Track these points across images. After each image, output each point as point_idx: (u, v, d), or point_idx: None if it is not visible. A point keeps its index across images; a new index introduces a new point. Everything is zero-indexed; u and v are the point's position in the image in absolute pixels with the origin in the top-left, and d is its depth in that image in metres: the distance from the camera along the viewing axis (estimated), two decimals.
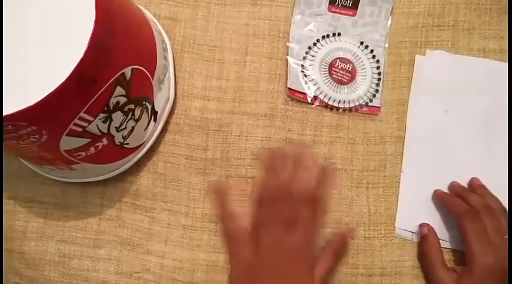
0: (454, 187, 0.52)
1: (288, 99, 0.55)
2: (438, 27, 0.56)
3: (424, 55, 0.56)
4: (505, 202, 0.50)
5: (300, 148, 0.47)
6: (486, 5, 0.56)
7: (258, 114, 0.55)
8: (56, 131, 0.39)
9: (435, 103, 0.55)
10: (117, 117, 0.43)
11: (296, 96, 0.54)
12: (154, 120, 0.50)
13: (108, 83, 0.39)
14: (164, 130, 0.54)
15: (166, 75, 0.51)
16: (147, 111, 0.48)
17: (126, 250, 0.53)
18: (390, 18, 0.56)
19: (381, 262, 0.52)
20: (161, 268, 0.52)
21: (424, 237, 0.50)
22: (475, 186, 0.52)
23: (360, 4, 0.55)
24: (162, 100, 0.51)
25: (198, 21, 0.56)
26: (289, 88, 0.54)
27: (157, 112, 0.50)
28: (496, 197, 0.50)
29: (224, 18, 0.56)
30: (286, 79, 0.55)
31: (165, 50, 0.52)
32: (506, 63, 0.55)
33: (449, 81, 0.55)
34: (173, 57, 0.54)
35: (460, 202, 0.49)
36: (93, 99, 0.38)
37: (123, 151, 0.49)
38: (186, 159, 0.54)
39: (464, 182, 0.53)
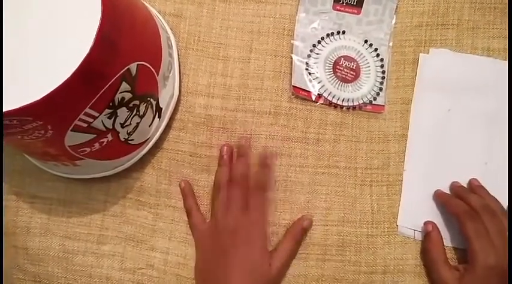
0: (454, 188, 0.53)
1: (292, 97, 0.55)
2: (442, 26, 0.56)
3: (428, 54, 0.56)
4: (505, 202, 0.50)
5: (241, 142, 0.54)
6: (491, 4, 0.56)
7: (262, 111, 0.55)
8: (61, 126, 0.39)
9: (438, 102, 0.55)
10: (122, 113, 0.43)
11: (300, 94, 0.54)
12: (159, 117, 0.51)
13: (114, 79, 0.39)
14: (168, 127, 0.54)
15: (171, 72, 0.52)
16: (152, 107, 0.48)
17: (130, 246, 0.53)
18: (395, 16, 0.56)
19: (384, 259, 0.52)
20: (165, 264, 0.52)
21: (428, 234, 0.51)
22: (474, 187, 0.52)
23: (364, 2, 0.55)
24: (166, 96, 0.51)
25: (203, 18, 0.56)
26: (293, 86, 0.54)
27: (161, 108, 0.50)
28: (495, 198, 0.50)
29: (229, 16, 0.57)
30: (291, 77, 0.55)
31: (170, 46, 0.52)
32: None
33: (453, 79, 0.55)
34: (178, 54, 0.54)
35: (459, 203, 0.50)
36: (99, 94, 0.38)
37: (127, 147, 0.49)
38: (190, 156, 0.54)
39: (465, 182, 0.53)
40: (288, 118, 0.55)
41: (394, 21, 0.56)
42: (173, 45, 0.53)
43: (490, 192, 0.51)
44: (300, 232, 0.51)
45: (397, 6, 0.56)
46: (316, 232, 0.52)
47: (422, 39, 0.56)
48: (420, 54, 0.56)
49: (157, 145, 0.53)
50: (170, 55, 0.51)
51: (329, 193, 0.53)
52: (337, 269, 0.52)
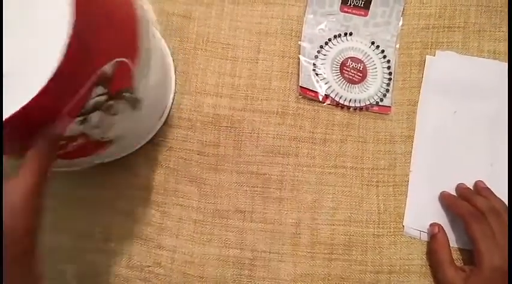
0: (460, 189, 0.53)
1: (300, 97, 0.55)
2: (449, 29, 0.56)
3: (434, 56, 0.56)
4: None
5: None
6: (497, 7, 0.56)
7: (269, 111, 0.55)
8: (28, 142, 0.35)
9: (444, 104, 0.55)
10: (95, 116, 0.38)
11: (308, 95, 0.55)
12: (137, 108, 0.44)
13: (87, 85, 0.34)
14: (177, 126, 0.55)
15: (154, 58, 0.45)
16: (129, 101, 0.42)
17: (138, 244, 0.53)
18: (401, 19, 0.56)
19: (390, 259, 0.52)
20: (172, 262, 0.52)
21: (434, 236, 0.51)
22: (480, 188, 0.52)
23: (371, 4, 0.56)
24: (150, 84, 0.44)
25: (212, 19, 0.57)
26: (300, 87, 0.55)
27: (139, 100, 0.44)
28: (500, 199, 0.50)
29: (237, 17, 0.57)
30: (298, 77, 0.55)
31: (146, 28, 0.43)
32: None
33: (459, 82, 0.55)
34: (161, 35, 0.53)
35: (465, 204, 0.50)
36: (70, 105, 0.33)
37: (102, 143, 0.44)
38: (198, 154, 0.54)
39: (471, 183, 0.53)
40: (295, 118, 0.55)
41: (401, 23, 0.56)
42: (149, 24, 0.44)
43: (496, 193, 0.51)
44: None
45: (404, 9, 0.56)
46: (323, 232, 0.53)
47: (429, 41, 0.56)
48: (427, 56, 0.56)
49: (165, 145, 0.54)
50: (152, 36, 0.45)
51: (336, 193, 0.54)
52: (344, 269, 0.52)
